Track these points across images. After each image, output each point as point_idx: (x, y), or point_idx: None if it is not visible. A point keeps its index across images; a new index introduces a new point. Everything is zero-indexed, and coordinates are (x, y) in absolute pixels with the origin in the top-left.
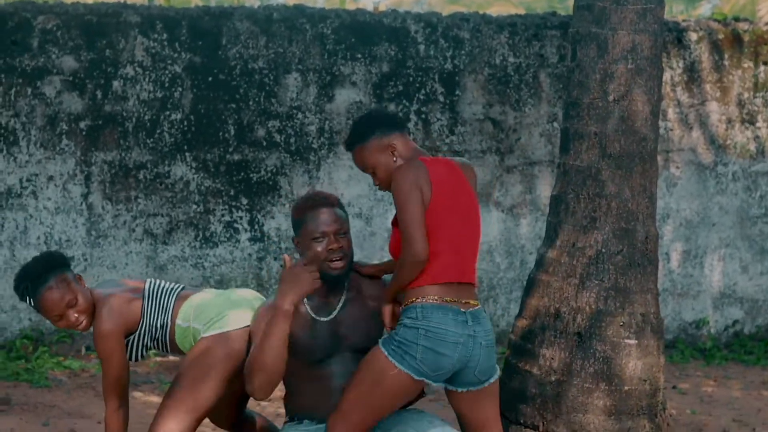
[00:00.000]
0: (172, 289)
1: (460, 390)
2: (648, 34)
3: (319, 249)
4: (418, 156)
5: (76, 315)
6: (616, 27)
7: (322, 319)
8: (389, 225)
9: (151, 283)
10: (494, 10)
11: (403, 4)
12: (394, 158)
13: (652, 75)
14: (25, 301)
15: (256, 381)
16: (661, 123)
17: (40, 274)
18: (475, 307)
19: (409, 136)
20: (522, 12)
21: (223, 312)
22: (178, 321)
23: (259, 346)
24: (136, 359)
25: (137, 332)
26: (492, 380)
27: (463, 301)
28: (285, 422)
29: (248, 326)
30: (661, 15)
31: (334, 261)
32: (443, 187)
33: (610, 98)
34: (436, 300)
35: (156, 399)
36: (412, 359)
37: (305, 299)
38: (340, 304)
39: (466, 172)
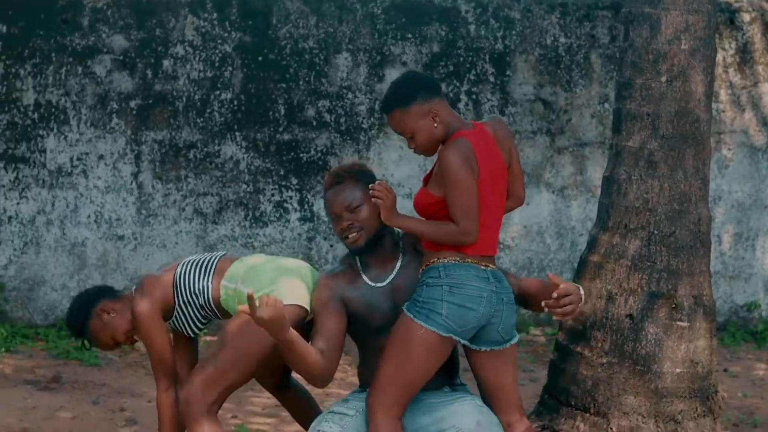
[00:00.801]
0: (211, 256)
1: (483, 349)
2: (701, 14)
3: (336, 230)
4: (457, 123)
5: (123, 338)
6: (669, 7)
7: (378, 285)
8: None
9: (188, 259)
10: None
11: None
12: (435, 124)
13: (705, 55)
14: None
15: (305, 378)
16: (713, 105)
17: (76, 323)
18: (493, 268)
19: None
20: None
21: (276, 279)
22: (224, 282)
23: (289, 359)
24: (191, 335)
25: (177, 303)
26: (513, 341)
27: (483, 264)
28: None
29: (297, 304)
30: None
31: (348, 238)
32: (483, 164)
33: (663, 79)
34: (458, 260)
35: None
36: (438, 316)
37: (360, 267)
38: (396, 270)
39: (498, 134)
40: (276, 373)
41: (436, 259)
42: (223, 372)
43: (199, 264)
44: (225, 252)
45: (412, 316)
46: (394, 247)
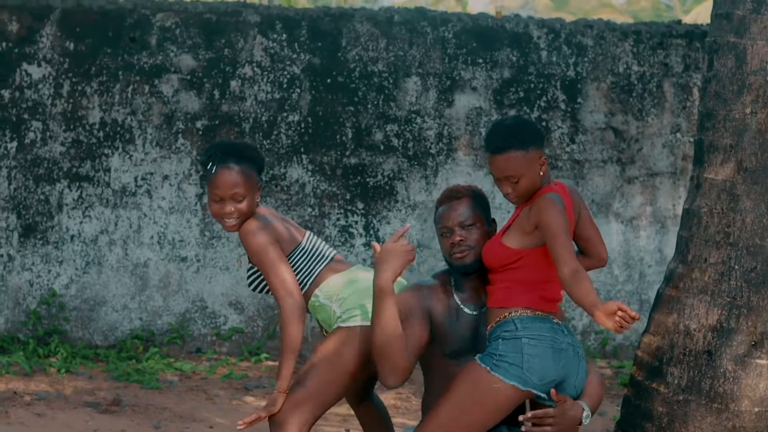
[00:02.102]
0: (323, 255)
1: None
2: None
3: (444, 245)
4: (548, 178)
5: (232, 209)
6: (756, 37)
7: (467, 311)
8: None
9: (310, 235)
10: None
11: (506, 11)
12: (541, 173)
13: None
14: (206, 165)
15: (381, 368)
16: None
17: (235, 154)
18: (564, 322)
19: None
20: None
21: (363, 302)
22: (319, 293)
23: (372, 329)
24: (261, 290)
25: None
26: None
27: (553, 315)
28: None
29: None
30: None
31: (455, 255)
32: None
33: (748, 110)
34: (529, 313)
35: None
36: (518, 369)
37: (455, 291)
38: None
39: (573, 196)
40: (359, 385)
41: (507, 314)
42: (313, 396)
43: (312, 258)
44: (335, 254)
45: (488, 368)
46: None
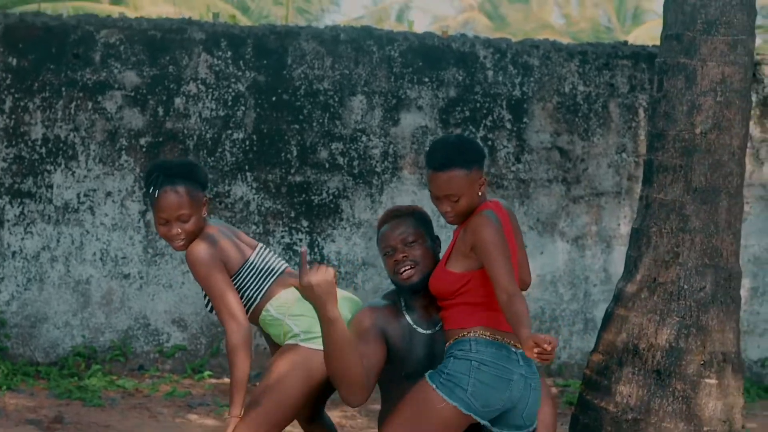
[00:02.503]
0: (273, 269)
1: None
2: (738, 66)
3: (389, 265)
4: (484, 198)
5: (179, 230)
6: (706, 58)
7: (420, 330)
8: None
9: (261, 248)
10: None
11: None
12: (480, 194)
13: (740, 108)
14: (147, 188)
15: (343, 390)
16: None
17: (177, 174)
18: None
19: None
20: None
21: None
22: (270, 307)
23: (328, 358)
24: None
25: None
26: (533, 427)
27: (512, 342)
28: None
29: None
30: (751, 47)
31: (401, 273)
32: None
33: (697, 131)
34: (488, 336)
35: (211, 422)
36: (463, 392)
37: (406, 312)
38: (440, 323)
39: (510, 215)
40: (309, 404)
41: (465, 333)
42: (269, 416)
43: (262, 272)
44: (286, 267)
45: (435, 386)
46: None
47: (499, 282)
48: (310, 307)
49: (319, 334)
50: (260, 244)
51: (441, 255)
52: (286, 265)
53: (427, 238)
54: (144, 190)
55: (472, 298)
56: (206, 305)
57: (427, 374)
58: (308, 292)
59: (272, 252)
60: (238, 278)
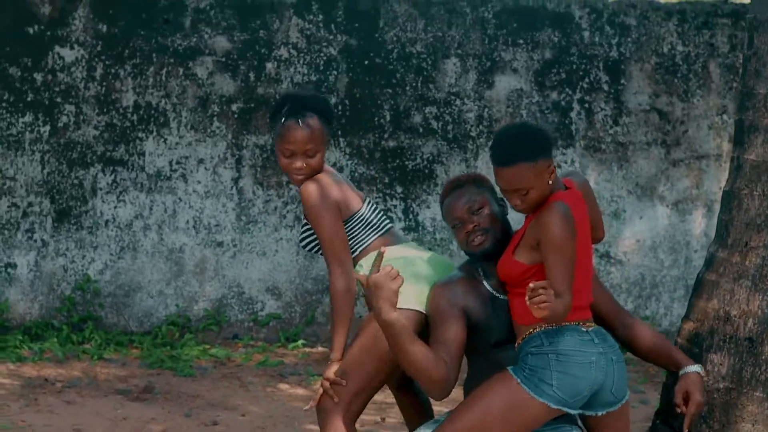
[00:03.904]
0: (379, 225)
1: (599, 413)
2: None
3: (459, 237)
4: (557, 183)
5: (303, 165)
6: None
7: (502, 297)
8: None
9: (370, 201)
10: None
11: None
12: (550, 182)
13: None
14: (277, 118)
15: (423, 386)
16: None
17: (309, 107)
18: (594, 327)
19: None
20: None
21: (418, 285)
22: (364, 263)
23: (401, 362)
24: (311, 250)
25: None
26: (625, 400)
27: (581, 322)
28: None
29: (411, 308)
30: None
31: (473, 242)
32: (579, 227)
33: None
34: (554, 325)
35: (302, 391)
36: (548, 387)
37: (484, 279)
38: None
39: (585, 192)
40: (401, 370)
41: (532, 330)
42: (357, 383)
43: (366, 226)
44: (390, 225)
45: (519, 380)
46: None
47: (555, 280)
48: (404, 267)
49: (409, 293)
50: (368, 198)
51: (511, 230)
52: (392, 224)
53: (492, 203)
54: (271, 120)
55: None
56: (301, 242)
57: (510, 368)
58: (370, 291)
59: (380, 208)
60: (347, 225)
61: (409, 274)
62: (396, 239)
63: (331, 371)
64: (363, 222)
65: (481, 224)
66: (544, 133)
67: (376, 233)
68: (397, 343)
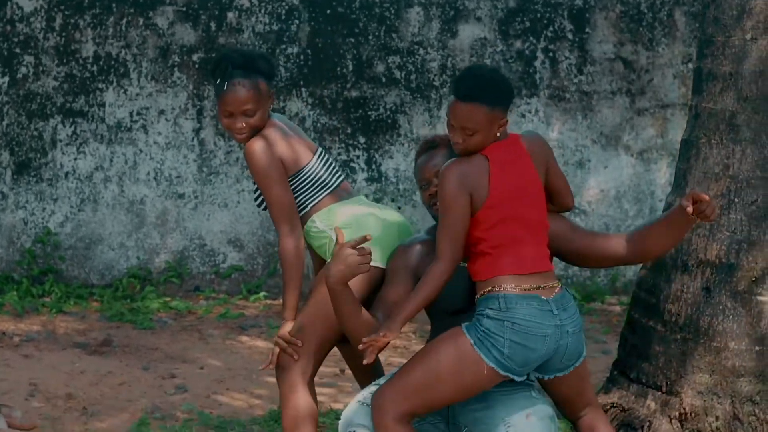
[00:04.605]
0: (328, 181)
1: (546, 377)
2: None
3: (424, 198)
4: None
5: (243, 124)
6: None
7: (462, 264)
8: None
9: (321, 153)
10: None
11: None
12: (498, 134)
13: None
14: (215, 78)
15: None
16: None
17: (246, 66)
18: (557, 292)
19: None
20: None
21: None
22: (316, 218)
23: (338, 321)
24: (266, 209)
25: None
26: (579, 363)
27: (543, 286)
28: None
29: (377, 265)
30: None
31: (434, 205)
32: (503, 181)
33: (748, 36)
34: (515, 289)
35: (262, 344)
36: (499, 354)
37: None
38: None
39: (533, 150)
40: None
41: (492, 287)
42: (314, 340)
43: (316, 181)
44: (342, 179)
45: (472, 341)
46: None
47: (438, 246)
48: (359, 220)
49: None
50: (320, 149)
51: None
52: (344, 177)
53: None
54: (211, 81)
55: (487, 247)
56: (255, 200)
57: (464, 325)
58: (336, 251)
59: (332, 160)
60: (294, 181)
61: (378, 233)
62: (346, 195)
63: (285, 330)
64: (312, 178)
65: None
66: (510, 86)
67: (326, 190)
68: (338, 309)
